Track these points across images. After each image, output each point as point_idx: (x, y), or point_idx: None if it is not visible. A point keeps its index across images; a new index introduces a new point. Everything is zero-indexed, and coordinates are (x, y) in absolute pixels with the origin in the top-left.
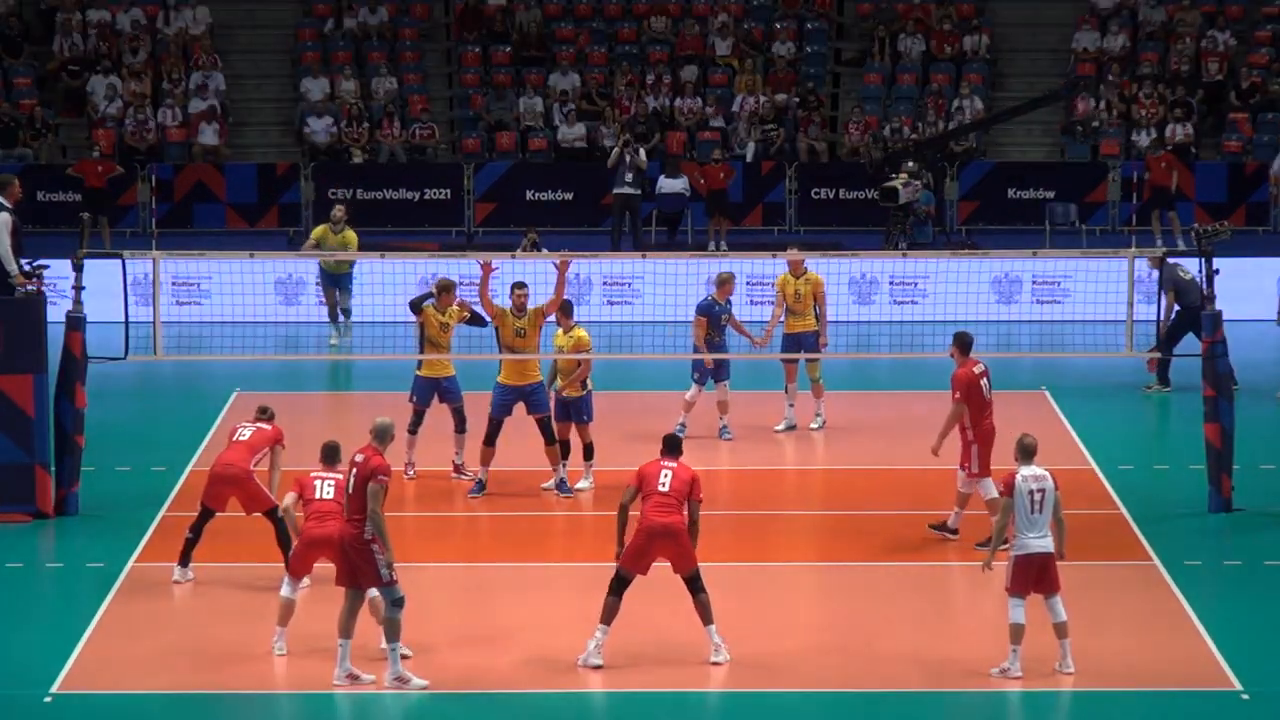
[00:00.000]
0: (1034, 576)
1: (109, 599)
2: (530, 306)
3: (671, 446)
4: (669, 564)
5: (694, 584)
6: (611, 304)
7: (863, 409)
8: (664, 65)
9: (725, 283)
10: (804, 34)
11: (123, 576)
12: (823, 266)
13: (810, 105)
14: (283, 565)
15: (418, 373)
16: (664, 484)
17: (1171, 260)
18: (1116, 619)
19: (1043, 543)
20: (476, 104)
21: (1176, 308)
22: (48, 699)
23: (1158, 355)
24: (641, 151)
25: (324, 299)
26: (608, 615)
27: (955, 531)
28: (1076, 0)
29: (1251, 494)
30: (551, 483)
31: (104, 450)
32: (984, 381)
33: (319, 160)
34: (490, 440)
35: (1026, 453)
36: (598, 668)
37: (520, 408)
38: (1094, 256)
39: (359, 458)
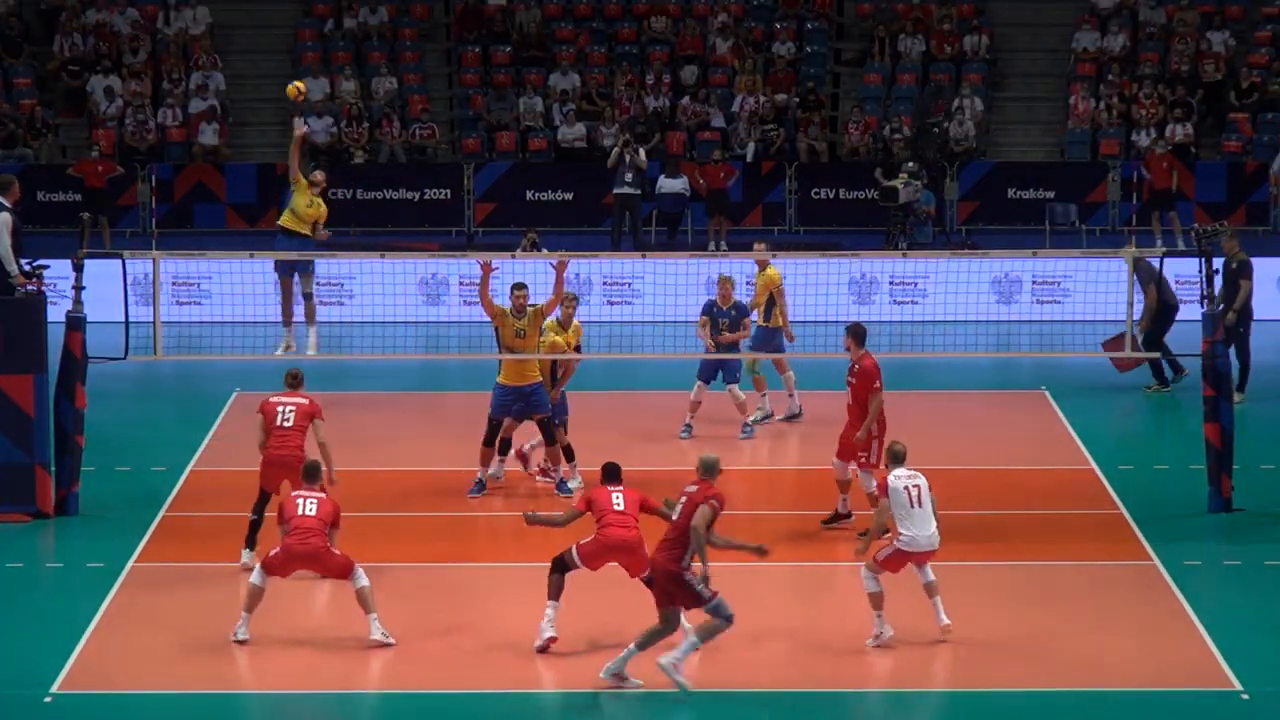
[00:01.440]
0: (903, 565)
1: (109, 599)
2: (530, 306)
3: (611, 475)
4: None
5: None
6: (611, 304)
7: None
8: (664, 65)
9: (720, 284)
10: (804, 34)
11: (123, 576)
12: (823, 266)
13: (810, 105)
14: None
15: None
16: (619, 504)
17: (1152, 259)
18: (1116, 619)
19: (931, 541)
20: (476, 104)
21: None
22: (48, 699)
23: (1121, 354)
24: (641, 151)
25: (280, 288)
26: (554, 591)
27: (849, 515)
28: (1076, 0)
29: (1251, 494)
30: (532, 467)
31: (104, 450)
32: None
33: (319, 160)
34: (489, 441)
35: (896, 458)
36: (553, 639)
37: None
38: (1094, 256)
39: (691, 488)
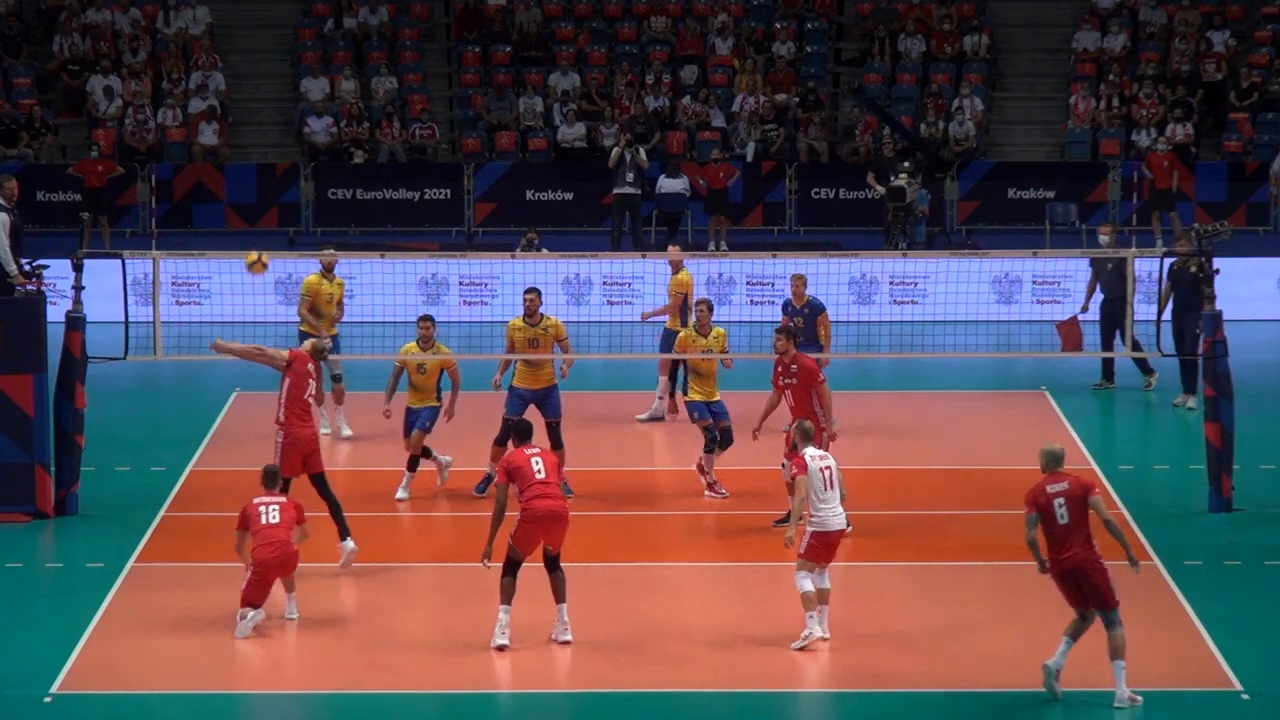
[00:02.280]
0: (828, 550)
1: (109, 599)
2: (543, 313)
3: (524, 433)
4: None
5: (556, 561)
6: (611, 304)
7: (862, 409)
8: (664, 65)
9: (793, 282)
10: (804, 34)
11: (123, 576)
12: (823, 266)
13: (810, 105)
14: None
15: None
16: (540, 472)
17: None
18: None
19: (840, 521)
20: (476, 104)
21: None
22: (48, 699)
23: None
24: (642, 151)
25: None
26: (506, 596)
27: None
28: (1076, 0)
29: (1251, 494)
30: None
31: (104, 450)
32: None
33: (319, 160)
34: (502, 441)
35: (806, 435)
36: (503, 648)
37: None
38: (1094, 256)
39: (1059, 486)
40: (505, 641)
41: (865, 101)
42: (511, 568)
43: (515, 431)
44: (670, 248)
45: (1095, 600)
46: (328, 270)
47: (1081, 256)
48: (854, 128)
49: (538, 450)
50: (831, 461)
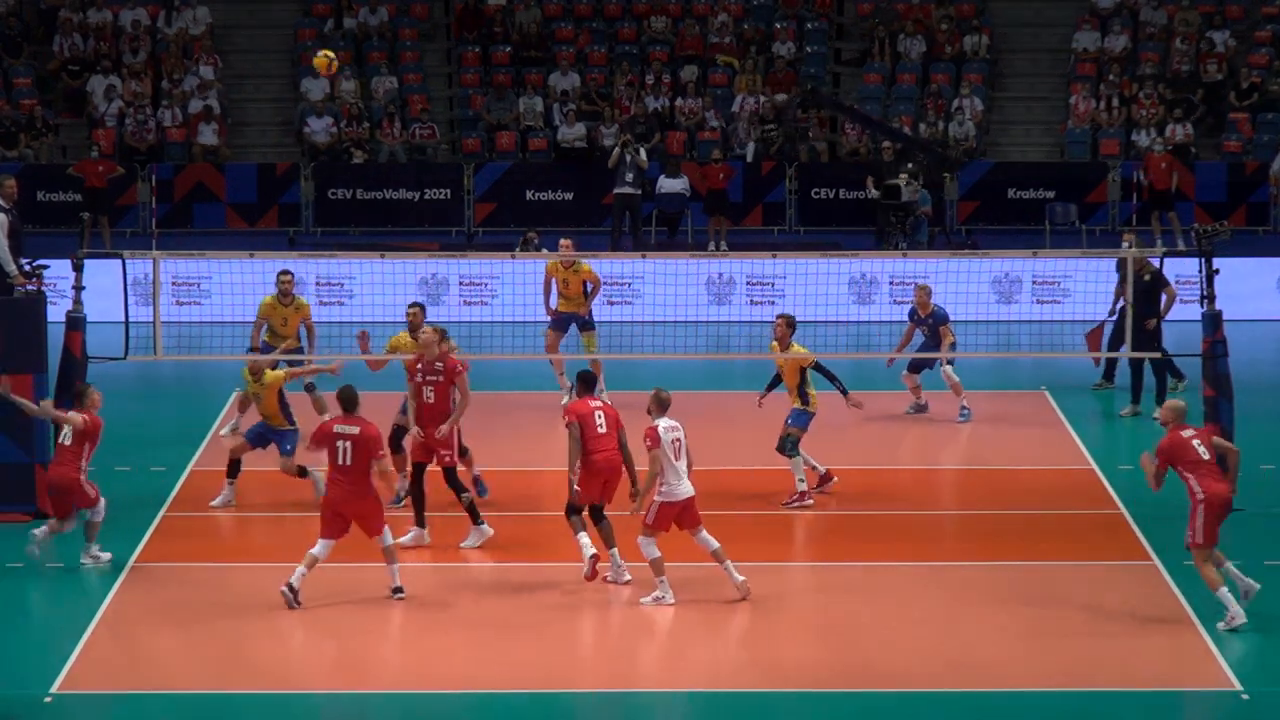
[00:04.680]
0: (675, 517)
1: (109, 598)
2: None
3: (589, 383)
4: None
5: (602, 511)
6: (611, 304)
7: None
8: (664, 65)
9: (917, 292)
10: (804, 34)
11: (123, 576)
12: (823, 266)
13: (810, 105)
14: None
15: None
16: (601, 426)
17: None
18: (1116, 619)
19: (687, 489)
20: (476, 104)
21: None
22: (48, 699)
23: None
24: (642, 151)
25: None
26: (580, 526)
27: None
28: (1076, 0)
29: (1251, 494)
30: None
31: (104, 450)
32: None
33: (319, 160)
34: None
35: (663, 405)
36: (595, 557)
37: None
38: (1094, 256)
39: (1189, 431)
40: (594, 550)
41: (816, 100)
42: (574, 509)
43: (580, 381)
44: (561, 242)
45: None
46: (284, 295)
47: (1082, 256)
48: (806, 130)
49: (600, 404)
50: (682, 434)
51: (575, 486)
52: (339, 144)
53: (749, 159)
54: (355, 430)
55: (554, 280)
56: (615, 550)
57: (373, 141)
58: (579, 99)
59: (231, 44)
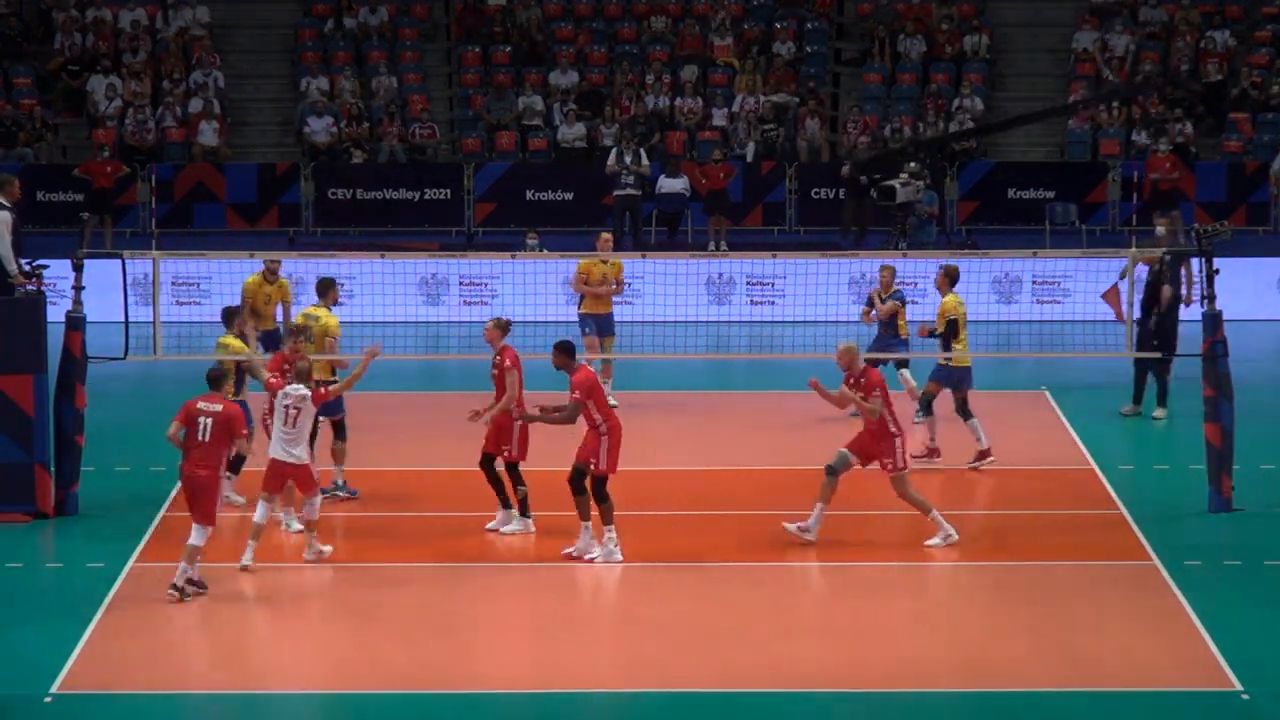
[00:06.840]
0: (277, 480)
1: (109, 599)
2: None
3: (569, 352)
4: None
5: (584, 483)
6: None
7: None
8: (664, 65)
9: (882, 272)
10: (804, 34)
11: (122, 576)
12: (823, 266)
13: (810, 105)
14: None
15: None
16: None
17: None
18: (1116, 619)
19: (298, 453)
20: (476, 104)
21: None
22: (48, 699)
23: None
24: (643, 152)
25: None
26: (609, 515)
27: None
28: (1076, 0)
29: (1251, 494)
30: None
31: (104, 450)
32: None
33: (319, 160)
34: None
35: (300, 375)
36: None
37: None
38: (1094, 257)
39: None
40: (620, 555)
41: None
42: (603, 490)
43: (563, 352)
44: (603, 236)
45: None
46: (270, 273)
47: (1082, 257)
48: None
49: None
50: (307, 401)
51: (605, 460)
52: (339, 144)
53: (749, 159)
54: (218, 408)
55: (586, 279)
56: (588, 525)
57: (373, 141)
58: (576, 99)
59: (231, 44)
